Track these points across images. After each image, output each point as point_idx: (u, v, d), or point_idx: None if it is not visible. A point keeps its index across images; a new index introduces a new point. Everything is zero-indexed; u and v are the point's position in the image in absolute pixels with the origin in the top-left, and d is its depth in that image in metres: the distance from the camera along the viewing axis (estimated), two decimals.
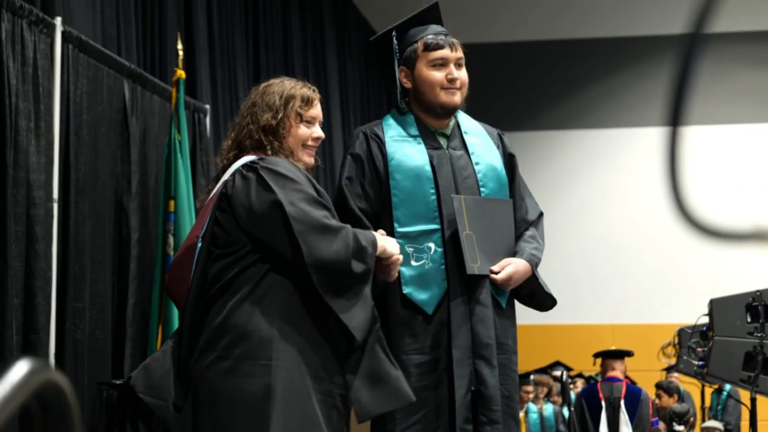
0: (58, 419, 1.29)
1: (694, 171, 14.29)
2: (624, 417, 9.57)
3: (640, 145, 15.12)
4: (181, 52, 6.43)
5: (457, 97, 4.42)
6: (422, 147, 4.37)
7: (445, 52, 4.43)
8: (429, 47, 4.45)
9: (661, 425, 10.79)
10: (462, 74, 4.45)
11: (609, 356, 10.12)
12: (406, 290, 4.22)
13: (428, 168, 4.31)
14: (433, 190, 4.28)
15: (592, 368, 12.02)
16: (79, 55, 5.63)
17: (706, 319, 7.60)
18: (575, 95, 15.75)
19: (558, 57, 15.75)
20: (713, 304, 7.29)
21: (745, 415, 7.32)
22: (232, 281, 3.78)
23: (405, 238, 4.22)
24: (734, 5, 13.49)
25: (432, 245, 4.23)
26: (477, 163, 4.40)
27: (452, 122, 4.50)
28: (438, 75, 4.40)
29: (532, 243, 4.43)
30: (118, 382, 5.68)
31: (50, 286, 5.15)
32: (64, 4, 5.79)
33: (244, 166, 3.89)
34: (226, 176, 3.92)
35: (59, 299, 5.29)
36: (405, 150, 4.36)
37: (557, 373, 12.39)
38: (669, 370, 13.24)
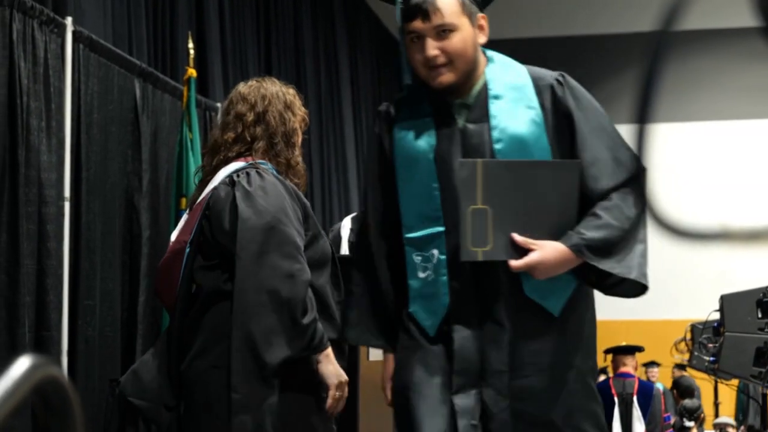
0: (59, 415, 1.32)
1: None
2: (637, 413, 9.58)
3: (652, 139, 15.07)
4: (192, 51, 6.45)
5: (447, 76, 3.42)
6: (431, 128, 3.51)
7: (415, 25, 3.43)
8: (403, 18, 3.49)
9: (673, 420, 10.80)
10: (447, 44, 3.41)
11: (620, 352, 10.13)
12: (411, 308, 3.48)
13: (431, 156, 3.45)
14: (436, 184, 3.43)
15: (603, 364, 12.02)
16: (89, 54, 5.66)
17: (717, 315, 7.60)
18: (591, 90, 15.73)
19: (573, 52, 15.75)
20: (724, 300, 7.29)
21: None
22: (224, 288, 3.79)
23: (412, 246, 3.47)
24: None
25: (435, 252, 3.44)
26: (498, 140, 3.42)
27: (478, 86, 3.50)
28: (417, 54, 3.44)
29: (593, 220, 3.37)
30: None
31: (62, 284, 5.19)
32: (74, 4, 5.83)
33: (229, 177, 3.87)
34: (216, 181, 3.90)
35: (71, 297, 5.33)
36: (411, 135, 3.52)
37: None
38: (681, 367, 13.27)
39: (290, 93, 4.06)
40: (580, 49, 15.71)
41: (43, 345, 5.02)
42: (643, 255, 3.40)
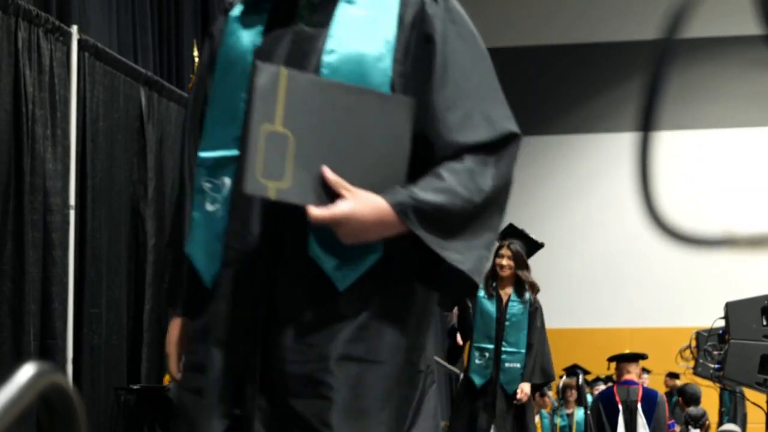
0: (63, 422, 1.32)
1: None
2: (641, 420, 9.57)
3: (658, 147, 15.10)
4: (197, 59, 6.46)
5: None
6: (262, 26, 2.67)
7: None
8: None
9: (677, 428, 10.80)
10: None
11: (624, 360, 10.13)
12: (188, 248, 2.58)
13: (250, 57, 2.59)
14: (244, 94, 2.51)
15: (608, 372, 12.02)
16: (95, 62, 5.67)
17: (722, 322, 7.60)
18: (594, 99, 15.75)
19: (577, 61, 15.77)
20: (729, 307, 7.28)
21: (761, 418, 7.30)
22: None
23: (203, 168, 2.61)
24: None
25: (227, 180, 2.54)
26: (331, 51, 2.56)
27: None
28: None
29: (433, 180, 2.42)
30: (135, 387, 5.71)
31: (67, 292, 5.19)
32: (80, 13, 5.84)
33: None
34: None
35: (76, 305, 5.33)
36: (239, 32, 2.70)
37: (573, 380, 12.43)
38: (674, 375, 13.30)
39: None
40: (584, 57, 15.73)
41: (48, 353, 5.02)
42: (488, 247, 2.48)
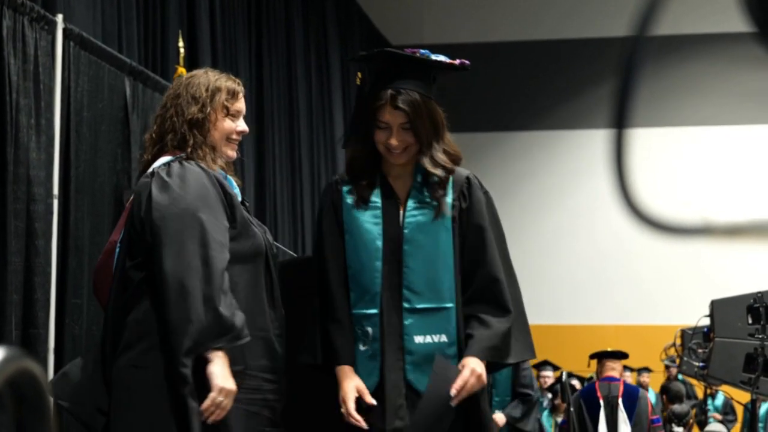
0: (32, 408, 1.30)
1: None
2: (622, 415, 9.59)
3: (644, 145, 15.16)
4: (182, 50, 6.44)
5: None
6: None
7: None
8: None
9: None
10: None
11: (607, 357, 10.15)
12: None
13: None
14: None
15: (589, 370, 12.06)
16: (80, 52, 5.64)
17: (707, 320, 7.59)
18: (580, 95, 15.77)
19: (562, 57, 15.78)
20: (714, 305, 7.27)
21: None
22: (143, 283, 3.73)
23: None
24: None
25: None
26: None
27: None
28: None
29: None
30: None
31: (50, 282, 5.16)
32: (65, 2, 5.82)
33: (151, 171, 3.81)
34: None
35: (58, 295, 5.30)
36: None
37: (547, 373, 12.44)
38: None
39: (213, 81, 4.00)
40: (569, 53, 15.74)
41: (31, 343, 5.00)
42: None
